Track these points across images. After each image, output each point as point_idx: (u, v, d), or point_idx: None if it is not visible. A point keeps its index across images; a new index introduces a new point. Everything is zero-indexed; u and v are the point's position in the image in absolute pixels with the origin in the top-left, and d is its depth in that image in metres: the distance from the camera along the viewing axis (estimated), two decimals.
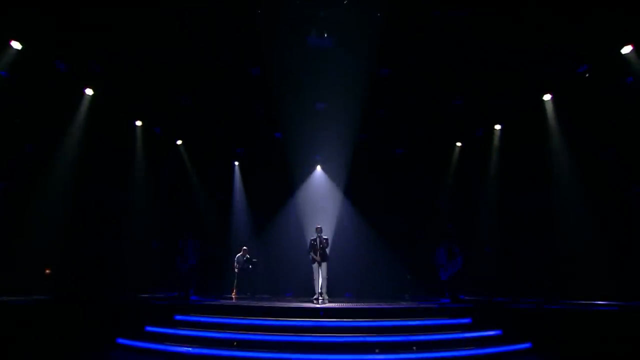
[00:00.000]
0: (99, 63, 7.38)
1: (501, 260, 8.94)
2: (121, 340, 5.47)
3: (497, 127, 9.28)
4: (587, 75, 7.08)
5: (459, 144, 10.36)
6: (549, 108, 7.93)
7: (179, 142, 10.38)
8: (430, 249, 8.81)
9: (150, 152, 9.41)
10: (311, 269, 8.42)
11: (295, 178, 11.83)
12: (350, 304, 7.37)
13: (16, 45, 6.52)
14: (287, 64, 7.74)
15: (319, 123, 9.73)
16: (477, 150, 9.91)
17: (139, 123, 9.20)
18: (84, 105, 7.75)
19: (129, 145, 9.03)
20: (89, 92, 7.80)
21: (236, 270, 10.27)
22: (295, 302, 7.84)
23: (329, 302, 7.89)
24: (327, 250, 8.55)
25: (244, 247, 10.51)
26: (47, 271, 6.96)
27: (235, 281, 10.19)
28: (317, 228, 8.45)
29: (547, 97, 7.97)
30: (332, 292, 9.01)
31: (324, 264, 8.26)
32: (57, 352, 5.10)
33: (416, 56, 7.40)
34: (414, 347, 5.25)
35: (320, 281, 8.17)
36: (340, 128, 9.77)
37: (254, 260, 10.45)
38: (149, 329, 5.75)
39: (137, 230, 9.01)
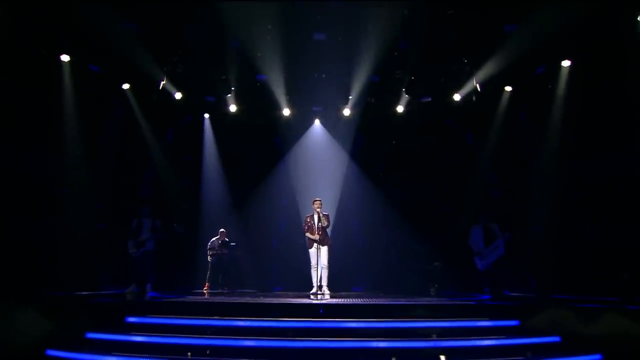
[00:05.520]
0: None
1: (560, 245, 8.87)
2: (53, 352, 5.40)
3: (565, 63, 8.87)
4: None
5: (508, 88, 10.00)
6: None
7: (126, 85, 10.01)
8: (465, 228, 8.74)
9: (86, 99, 9.06)
10: (307, 254, 8.49)
11: (286, 135, 11.75)
12: (359, 299, 7.40)
13: None
14: None
15: (318, 61, 9.53)
16: (534, 96, 9.63)
17: (65, 58, 8.73)
18: None
19: (54, 89, 8.62)
20: None
21: (210, 258, 10.29)
22: (287, 297, 7.89)
23: (331, 297, 7.94)
24: (329, 230, 8.60)
25: (222, 230, 10.50)
26: None
27: (209, 272, 10.28)
28: (315, 201, 8.45)
29: None
30: (336, 284, 9.07)
31: (324, 249, 8.33)
32: None
33: None
34: (443, 357, 5.24)
35: (319, 270, 8.27)
36: (346, 68, 9.62)
37: (231, 244, 10.45)
38: (91, 335, 5.69)
39: (73, 206, 8.87)
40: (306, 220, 8.52)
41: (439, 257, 10.20)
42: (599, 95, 8.23)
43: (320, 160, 11.73)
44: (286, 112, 10.96)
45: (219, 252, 10.33)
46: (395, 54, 9.34)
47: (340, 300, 7.12)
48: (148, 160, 10.97)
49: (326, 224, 8.33)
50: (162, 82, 9.83)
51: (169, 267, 10.14)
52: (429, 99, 10.79)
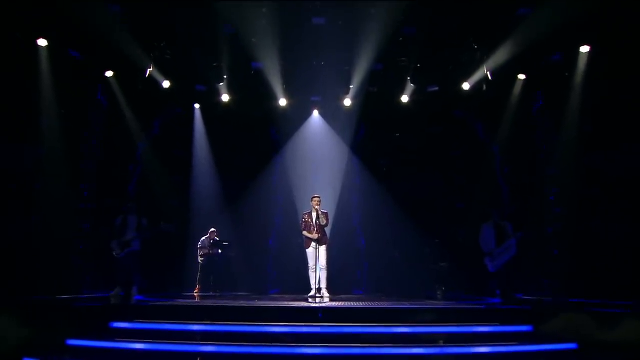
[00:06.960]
0: None
1: (577, 244, 8.86)
2: None
3: (584, 49, 8.86)
4: None
5: (521, 76, 10.00)
6: None
7: (110, 73, 9.99)
8: (475, 226, 8.74)
9: (66, 87, 9.01)
10: (305, 255, 8.48)
11: (282, 127, 11.75)
12: (360, 303, 7.39)
13: None
14: None
15: (317, 47, 9.52)
16: (550, 84, 9.62)
17: (43, 42, 8.68)
18: None
19: (31, 77, 8.56)
20: None
21: (200, 259, 10.29)
22: (283, 300, 7.89)
23: (331, 300, 7.94)
24: (328, 229, 8.58)
25: (212, 229, 10.50)
26: None
27: (199, 274, 10.27)
28: (313, 198, 8.46)
29: None
30: (336, 287, 9.05)
31: (322, 249, 8.33)
32: None
33: None
34: None
35: (318, 272, 8.27)
36: (347, 54, 9.62)
37: (224, 243, 10.45)
38: (73, 342, 5.65)
39: (52, 204, 8.82)
40: (304, 218, 8.49)
41: (446, 257, 10.23)
42: (620, 83, 8.20)
43: (319, 153, 11.74)
44: (283, 102, 10.94)
45: (210, 252, 10.31)
46: (400, 39, 9.28)
47: (340, 303, 7.12)
48: (134, 154, 10.96)
49: (325, 222, 8.31)
50: (149, 70, 9.81)
51: (157, 268, 10.13)
52: (436, 88, 10.76)
